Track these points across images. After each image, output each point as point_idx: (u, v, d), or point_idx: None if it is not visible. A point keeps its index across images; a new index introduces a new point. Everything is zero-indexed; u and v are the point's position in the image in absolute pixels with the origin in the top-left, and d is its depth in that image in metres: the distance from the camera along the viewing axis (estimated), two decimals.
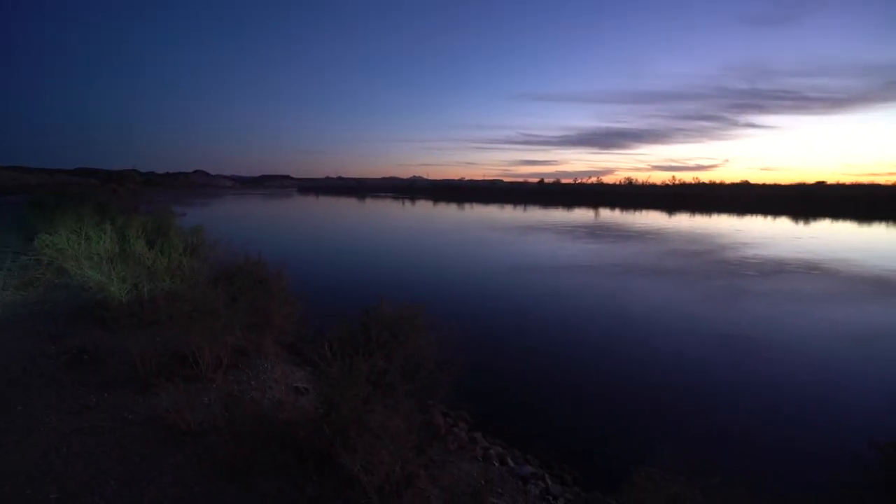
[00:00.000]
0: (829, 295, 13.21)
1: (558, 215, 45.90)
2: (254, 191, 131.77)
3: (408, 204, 66.68)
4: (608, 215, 46.66)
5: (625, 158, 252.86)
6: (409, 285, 13.68)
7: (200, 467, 3.46)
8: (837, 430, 5.89)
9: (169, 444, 3.73)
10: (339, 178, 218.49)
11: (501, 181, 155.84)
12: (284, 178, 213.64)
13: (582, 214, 47.55)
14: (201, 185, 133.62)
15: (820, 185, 66.76)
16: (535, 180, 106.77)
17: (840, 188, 63.13)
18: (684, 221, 39.87)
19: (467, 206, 62.56)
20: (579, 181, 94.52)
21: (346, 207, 58.79)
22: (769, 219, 42.58)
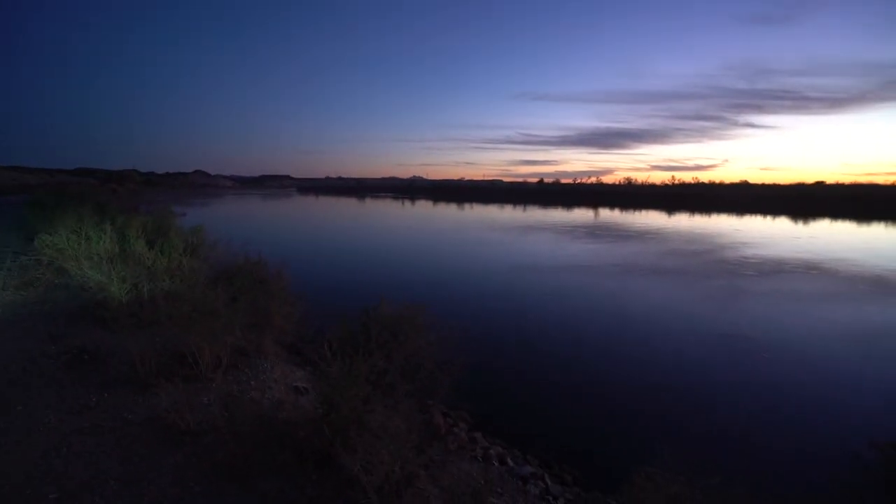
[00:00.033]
0: (829, 295, 13.21)
1: (558, 215, 45.91)
2: (254, 191, 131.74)
3: (407, 204, 66.68)
4: (608, 215, 46.67)
5: (624, 158, 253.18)
6: (409, 285, 13.68)
7: (200, 467, 3.46)
8: (837, 430, 5.89)
9: (169, 444, 3.73)
10: (339, 179, 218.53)
11: (501, 181, 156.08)
12: (284, 178, 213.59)
13: (581, 214, 47.56)
14: (201, 185, 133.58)
15: (819, 185, 66.79)
16: (535, 180, 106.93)
17: (839, 188, 63.15)
18: (684, 221, 39.89)
19: (467, 206, 62.56)
20: (579, 181, 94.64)
21: (346, 207, 58.78)
22: (768, 219, 42.60)
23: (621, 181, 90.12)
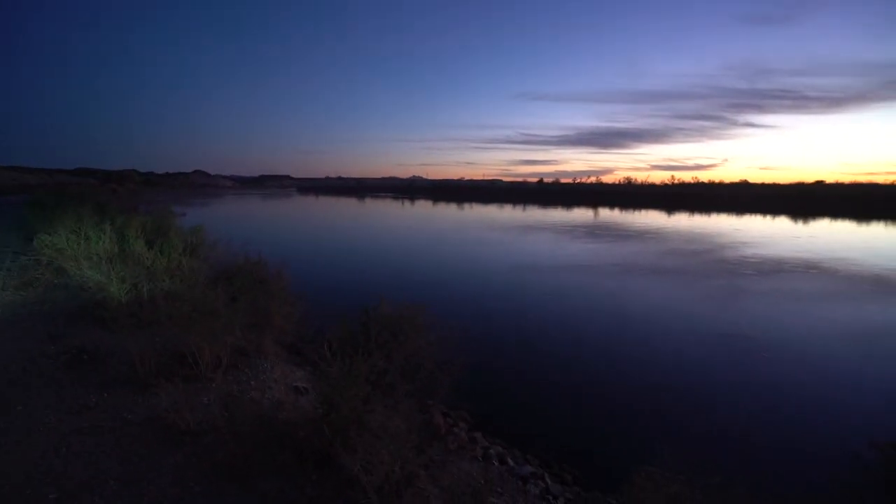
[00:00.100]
0: (828, 294, 13.22)
1: (557, 215, 45.91)
2: (253, 191, 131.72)
3: (407, 204, 66.67)
4: (607, 215, 46.68)
5: (624, 158, 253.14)
6: (409, 285, 13.68)
7: (200, 467, 3.45)
8: (837, 430, 5.89)
9: (168, 444, 3.73)
10: (339, 178, 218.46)
11: (501, 181, 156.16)
12: (284, 178, 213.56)
13: (581, 214, 47.57)
14: (201, 185, 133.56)
15: (819, 185, 66.84)
16: (535, 180, 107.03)
17: (839, 187, 63.23)
18: (683, 221, 39.90)
19: (467, 205, 62.56)
20: (578, 181, 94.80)
21: (346, 207, 58.77)
22: (768, 218, 42.62)
23: (621, 181, 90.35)
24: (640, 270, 16.55)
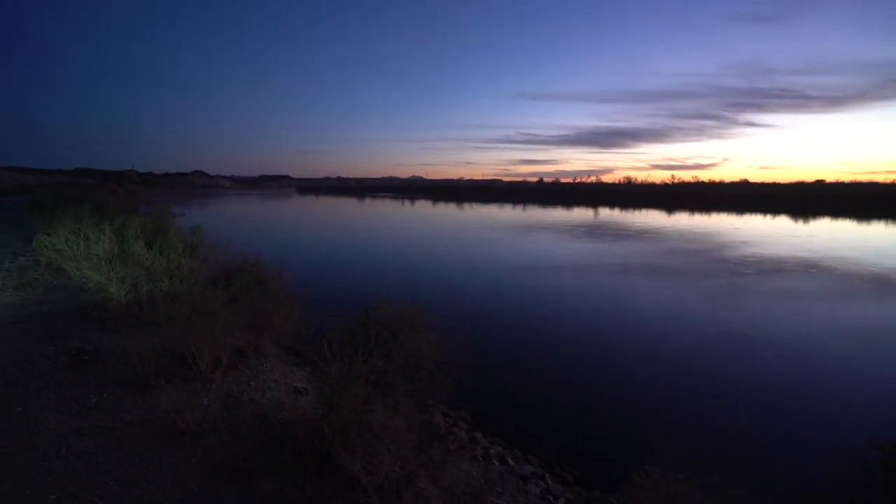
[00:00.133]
0: (828, 293, 13.23)
1: (557, 215, 45.93)
2: (253, 191, 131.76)
3: (407, 204, 66.68)
4: (607, 214, 46.70)
5: (624, 157, 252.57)
6: (409, 285, 13.68)
7: (200, 468, 3.45)
8: (837, 429, 5.90)
9: (168, 444, 3.73)
10: (339, 179, 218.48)
11: (500, 181, 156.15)
12: (283, 179, 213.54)
13: (581, 214, 47.58)
14: (200, 185, 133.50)
15: (819, 184, 66.89)
16: (535, 180, 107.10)
17: (839, 186, 63.23)
18: (683, 220, 39.91)
19: (467, 205, 62.56)
20: (578, 180, 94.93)
21: (346, 208, 58.78)
22: (768, 217, 42.63)
23: (621, 180, 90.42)
24: (640, 270, 16.56)
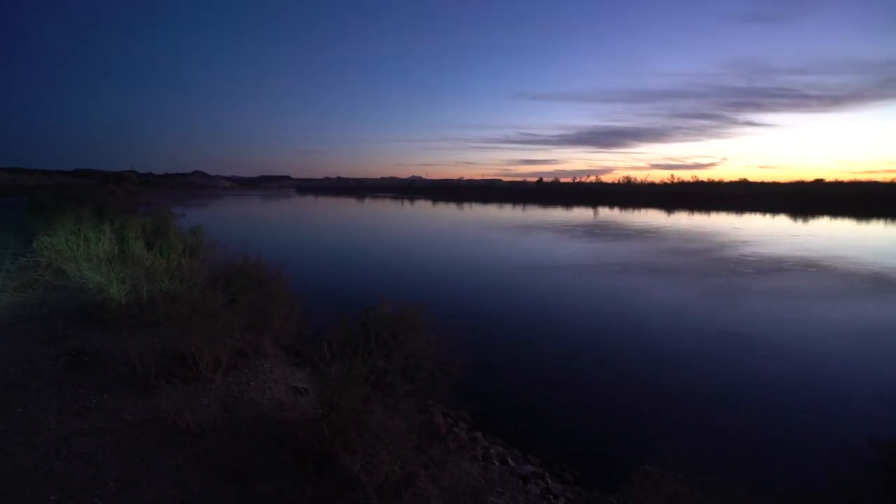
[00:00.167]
0: (827, 292, 13.23)
1: (557, 214, 45.93)
2: (253, 191, 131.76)
3: (407, 204, 66.67)
4: (607, 214, 46.69)
5: (623, 157, 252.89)
6: (409, 285, 13.68)
7: (200, 468, 3.45)
8: (837, 429, 5.90)
9: (168, 445, 3.73)
10: (338, 179, 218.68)
11: (500, 181, 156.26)
12: (283, 179, 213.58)
13: (581, 213, 47.58)
14: (200, 185, 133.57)
15: (818, 183, 66.90)
16: (534, 180, 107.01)
17: (838, 186, 63.24)
18: (683, 220, 39.91)
19: (466, 205, 62.55)
20: (578, 180, 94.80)
21: (345, 208, 58.77)
22: (768, 217, 42.63)
23: (620, 180, 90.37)
24: (639, 270, 16.56)
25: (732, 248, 22.02)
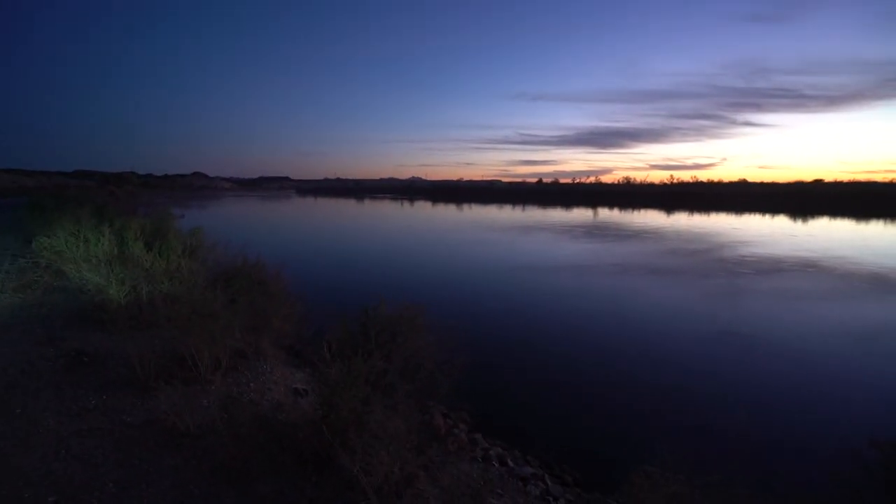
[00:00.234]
0: (827, 292, 13.23)
1: (557, 215, 45.94)
2: (252, 192, 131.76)
3: (406, 205, 66.68)
4: (607, 215, 46.72)
5: (623, 158, 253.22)
6: (409, 286, 13.67)
7: (199, 469, 3.45)
8: (837, 429, 5.90)
9: (168, 446, 3.72)
10: (338, 180, 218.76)
11: (500, 181, 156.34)
12: (283, 180, 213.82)
13: (580, 214, 47.60)
14: (199, 186, 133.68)
15: (817, 183, 66.98)
16: (534, 180, 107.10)
17: (837, 186, 63.31)
18: (682, 220, 39.93)
19: (466, 206, 62.58)
20: (577, 181, 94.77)
21: (345, 209, 58.78)
22: (767, 217, 42.66)
23: (620, 181, 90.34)
24: (639, 270, 16.56)
25: (732, 248, 22.03)
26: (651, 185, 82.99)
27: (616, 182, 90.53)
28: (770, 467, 5.02)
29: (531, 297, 12.56)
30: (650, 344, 8.89)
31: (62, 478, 3.26)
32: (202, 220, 20.52)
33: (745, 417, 6.09)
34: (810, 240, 25.64)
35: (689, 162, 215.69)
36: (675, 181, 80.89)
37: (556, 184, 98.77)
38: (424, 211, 54.20)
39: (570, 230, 31.21)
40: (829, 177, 72.07)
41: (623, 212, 51.28)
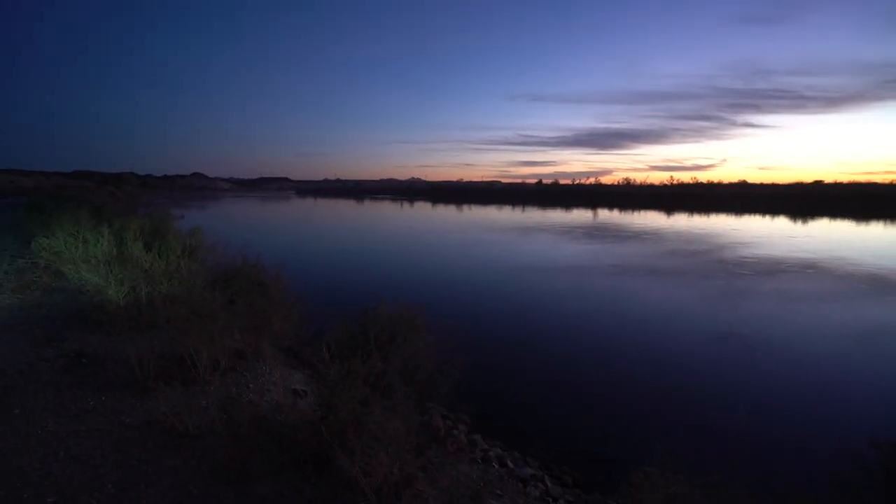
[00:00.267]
0: (826, 293, 13.24)
1: (556, 216, 45.95)
2: (252, 193, 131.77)
3: (406, 206, 66.66)
4: (606, 216, 46.73)
5: (623, 159, 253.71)
6: (409, 286, 13.67)
7: (198, 470, 3.44)
8: (836, 429, 5.89)
9: (167, 447, 3.72)
10: (338, 180, 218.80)
11: (499, 182, 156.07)
12: (283, 181, 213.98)
13: (580, 215, 47.61)
14: (199, 187, 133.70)
15: (817, 184, 66.98)
16: (534, 181, 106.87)
17: (837, 187, 63.33)
18: (682, 222, 39.95)
19: (466, 207, 62.57)
20: (577, 182, 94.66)
21: (344, 209, 58.76)
22: (767, 218, 42.68)
23: (620, 182, 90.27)
24: (639, 271, 16.57)
25: (731, 249, 22.04)
26: (651, 187, 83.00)
27: (616, 183, 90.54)
28: (770, 467, 5.02)
29: (531, 297, 12.56)
30: (650, 344, 8.89)
31: (61, 478, 3.25)
32: (201, 221, 20.51)
33: (745, 417, 6.10)
34: (810, 241, 25.66)
35: (689, 163, 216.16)
36: (674, 182, 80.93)
37: (555, 185, 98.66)
38: (424, 212, 54.20)
39: (570, 231, 31.22)
40: (828, 178, 72.21)
41: (623, 213, 51.30)
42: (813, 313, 11.23)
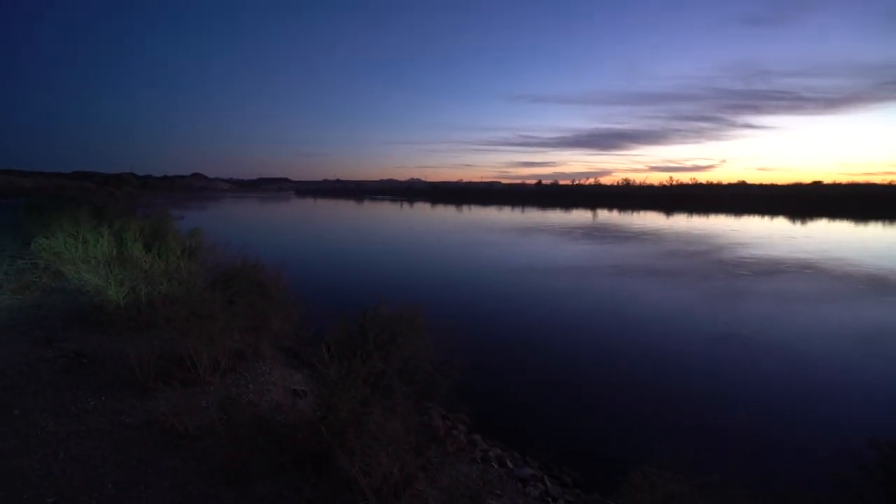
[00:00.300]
0: (826, 294, 13.24)
1: (556, 217, 45.97)
2: (251, 193, 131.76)
3: (406, 206, 66.68)
4: (606, 216, 46.75)
5: (622, 159, 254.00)
6: (409, 286, 13.67)
7: (198, 470, 3.44)
8: (836, 429, 5.90)
9: (166, 447, 3.72)
10: (338, 181, 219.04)
11: (499, 183, 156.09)
12: (282, 181, 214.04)
13: (580, 216, 47.63)
14: (199, 188, 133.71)
15: (816, 185, 66.96)
16: (533, 182, 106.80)
17: (836, 188, 63.31)
18: (682, 222, 39.97)
19: (465, 208, 62.59)
20: (577, 182, 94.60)
21: (344, 210, 58.76)
22: (766, 219, 42.71)
23: (619, 182, 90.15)
24: (638, 271, 16.57)
25: (731, 250, 22.05)
26: (650, 187, 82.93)
27: (615, 184, 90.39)
28: (770, 467, 5.02)
29: (531, 297, 12.56)
30: (650, 344, 8.89)
31: (61, 479, 3.25)
32: (201, 222, 20.49)
33: (744, 417, 6.10)
34: (809, 241, 25.68)
35: (689, 164, 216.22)
36: (674, 183, 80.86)
37: (555, 185, 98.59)
38: (424, 212, 54.22)
39: (570, 231, 31.23)
40: (827, 178, 72.07)
41: (622, 213, 51.32)
42: (812, 314, 11.23)
